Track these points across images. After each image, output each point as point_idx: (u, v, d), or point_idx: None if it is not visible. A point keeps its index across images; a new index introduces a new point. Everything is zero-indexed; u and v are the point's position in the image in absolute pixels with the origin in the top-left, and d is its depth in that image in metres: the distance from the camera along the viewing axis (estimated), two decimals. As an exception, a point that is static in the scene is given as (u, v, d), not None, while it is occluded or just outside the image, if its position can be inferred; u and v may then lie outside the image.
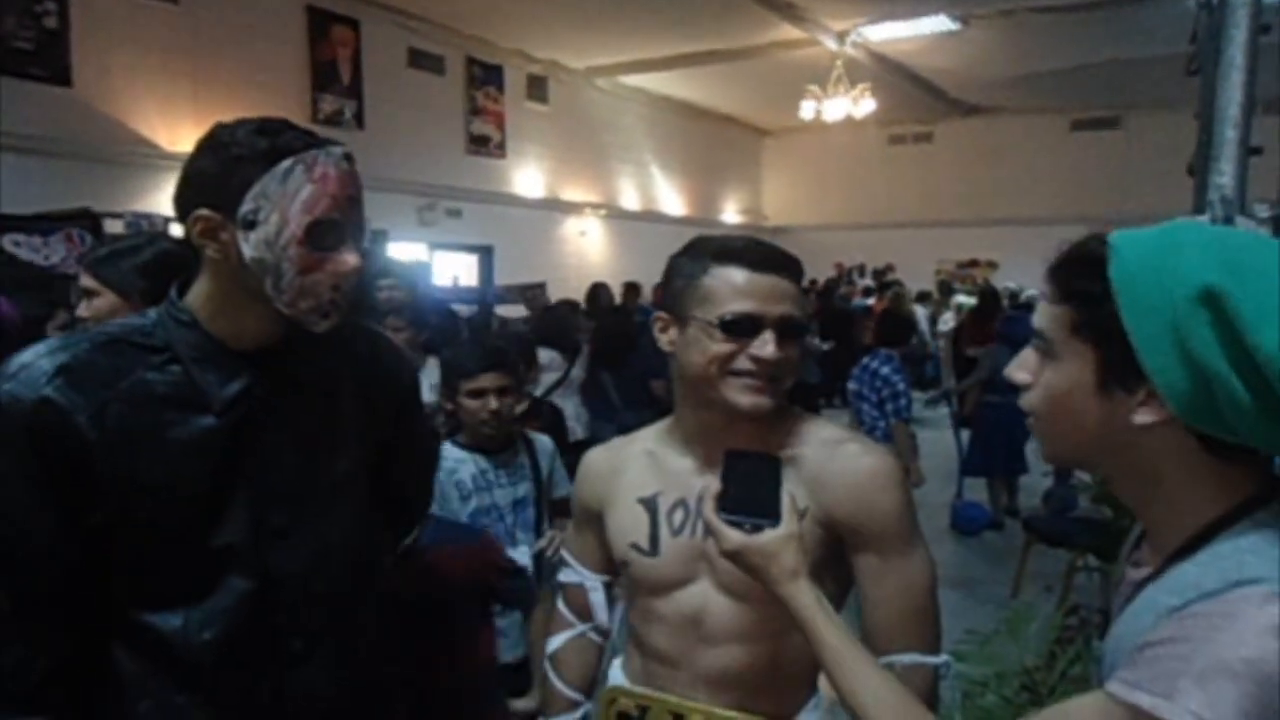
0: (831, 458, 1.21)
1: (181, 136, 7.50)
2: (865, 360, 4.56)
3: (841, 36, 9.94)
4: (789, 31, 9.75)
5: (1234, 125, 1.52)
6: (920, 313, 10.85)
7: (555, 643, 1.47)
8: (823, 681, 1.23)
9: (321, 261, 1.09)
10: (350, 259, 1.11)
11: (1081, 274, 0.81)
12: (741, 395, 1.17)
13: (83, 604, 1.08)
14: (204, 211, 1.08)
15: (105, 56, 6.96)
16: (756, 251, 1.20)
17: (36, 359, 1.05)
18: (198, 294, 1.14)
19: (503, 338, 4.21)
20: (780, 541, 1.03)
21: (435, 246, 9.56)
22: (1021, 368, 0.89)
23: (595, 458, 1.42)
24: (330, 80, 8.71)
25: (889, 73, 11.25)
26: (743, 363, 1.16)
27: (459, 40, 10.00)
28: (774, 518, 1.05)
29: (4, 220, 5.59)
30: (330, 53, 8.69)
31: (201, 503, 1.09)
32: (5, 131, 6.20)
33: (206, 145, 1.10)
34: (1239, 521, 0.77)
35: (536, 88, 11.26)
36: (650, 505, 1.28)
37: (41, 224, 5.70)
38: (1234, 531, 0.77)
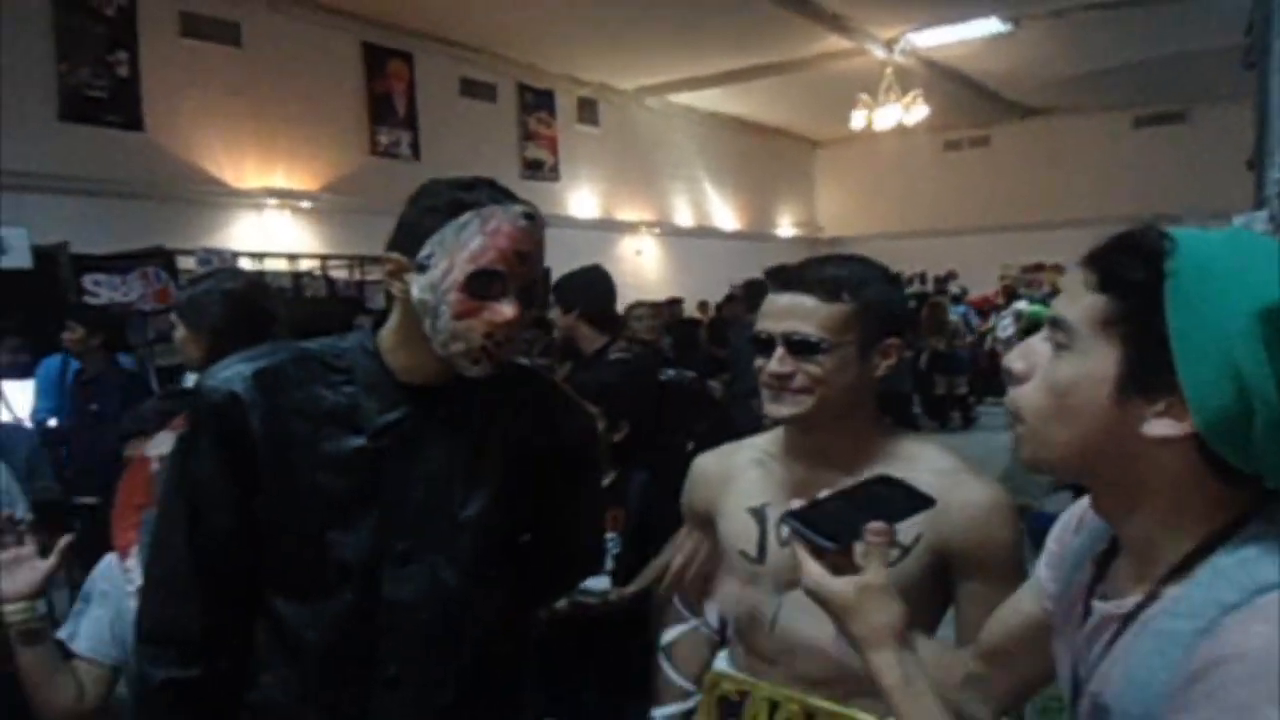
0: (952, 489, 1.23)
1: (246, 174, 7.78)
2: None
3: (890, 44, 9.86)
4: (836, 43, 9.72)
5: (1285, 119, 1.48)
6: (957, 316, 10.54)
7: (669, 635, 1.55)
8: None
9: (478, 309, 1.14)
10: (507, 310, 1.15)
11: (1131, 263, 0.73)
12: (767, 404, 1.29)
13: (241, 576, 1.20)
14: (394, 255, 1.18)
15: (173, 100, 7.28)
16: (788, 271, 1.30)
17: (241, 361, 1.19)
18: (387, 329, 1.24)
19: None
20: (857, 594, 0.85)
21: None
22: (1022, 357, 0.81)
23: (706, 464, 1.50)
24: (387, 113, 8.95)
25: (941, 78, 11.11)
26: (765, 376, 1.28)
27: (509, 67, 10.19)
28: (834, 541, 0.87)
29: (84, 260, 5.86)
30: (386, 86, 8.94)
31: (334, 516, 1.17)
32: (83, 177, 6.51)
33: (414, 196, 1.21)
34: (1233, 537, 0.73)
35: (587, 110, 11.39)
36: (759, 515, 1.35)
37: (119, 263, 5.96)
38: (1230, 546, 0.73)
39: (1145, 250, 0.73)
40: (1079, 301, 0.76)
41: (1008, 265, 14.37)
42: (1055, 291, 9.25)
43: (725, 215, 14.19)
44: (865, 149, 14.67)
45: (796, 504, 0.90)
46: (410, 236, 1.17)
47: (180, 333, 2.02)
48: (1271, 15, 1.39)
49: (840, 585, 0.85)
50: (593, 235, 11.41)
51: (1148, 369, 0.72)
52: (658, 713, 1.54)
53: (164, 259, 6.16)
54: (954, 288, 11.98)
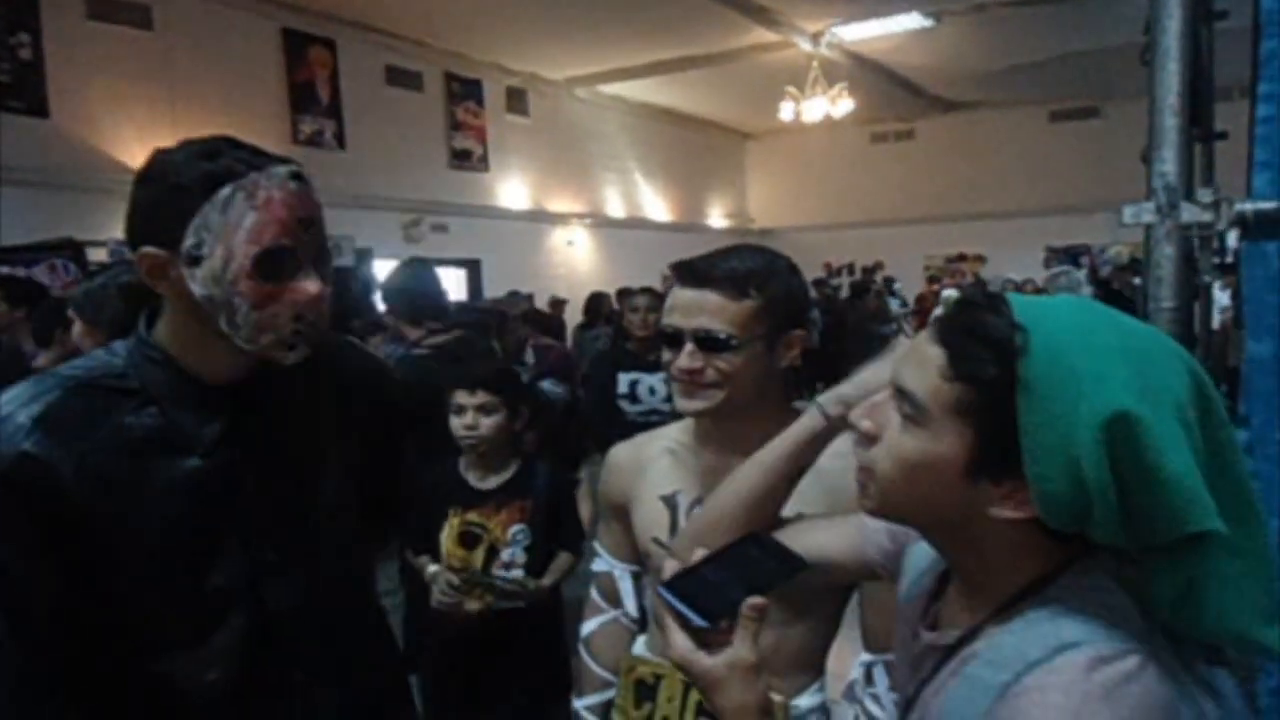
0: (848, 472, 1.25)
1: (161, 163, 7.52)
2: None
3: (816, 38, 9.98)
4: (763, 35, 9.79)
5: (1174, 112, 1.53)
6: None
7: (588, 627, 1.57)
8: (831, 664, 1.36)
9: (278, 293, 1.03)
10: (310, 287, 1.05)
11: (985, 357, 0.74)
12: (678, 399, 1.32)
13: (89, 654, 1.05)
14: (148, 249, 1.02)
15: (81, 86, 6.98)
16: (690, 266, 1.31)
17: (12, 411, 1.00)
18: (165, 330, 1.10)
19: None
20: (725, 670, 0.82)
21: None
22: (869, 416, 0.82)
23: (620, 454, 1.52)
24: (309, 101, 8.72)
25: (866, 72, 11.29)
26: (674, 371, 1.30)
27: (435, 56, 10.02)
28: (708, 620, 0.83)
29: (-13, 252, 5.61)
30: (308, 74, 8.71)
31: (192, 545, 1.07)
32: (-15, 165, 6.21)
33: (146, 174, 1.03)
34: (1048, 587, 0.77)
35: (516, 100, 11.28)
36: (671, 503, 1.38)
37: (24, 255, 5.71)
38: (1045, 597, 0.76)
39: (998, 344, 0.73)
40: (928, 381, 0.77)
41: (932, 256, 14.72)
42: (977, 279, 9.51)
43: (657, 206, 14.22)
44: (794, 142, 14.84)
45: (670, 572, 0.88)
46: (161, 224, 1.01)
47: (78, 327, 1.96)
48: (1160, 12, 1.44)
49: (710, 663, 0.82)
50: (523, 226, 11.33)
51: (996, 457, 0.74)
52: (579, 703, 1.56)
53: (73, 251, 5.92)
54: (878, 278, 12.28)
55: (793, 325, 1.32)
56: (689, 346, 1.27)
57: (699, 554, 0.90)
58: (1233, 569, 0.73)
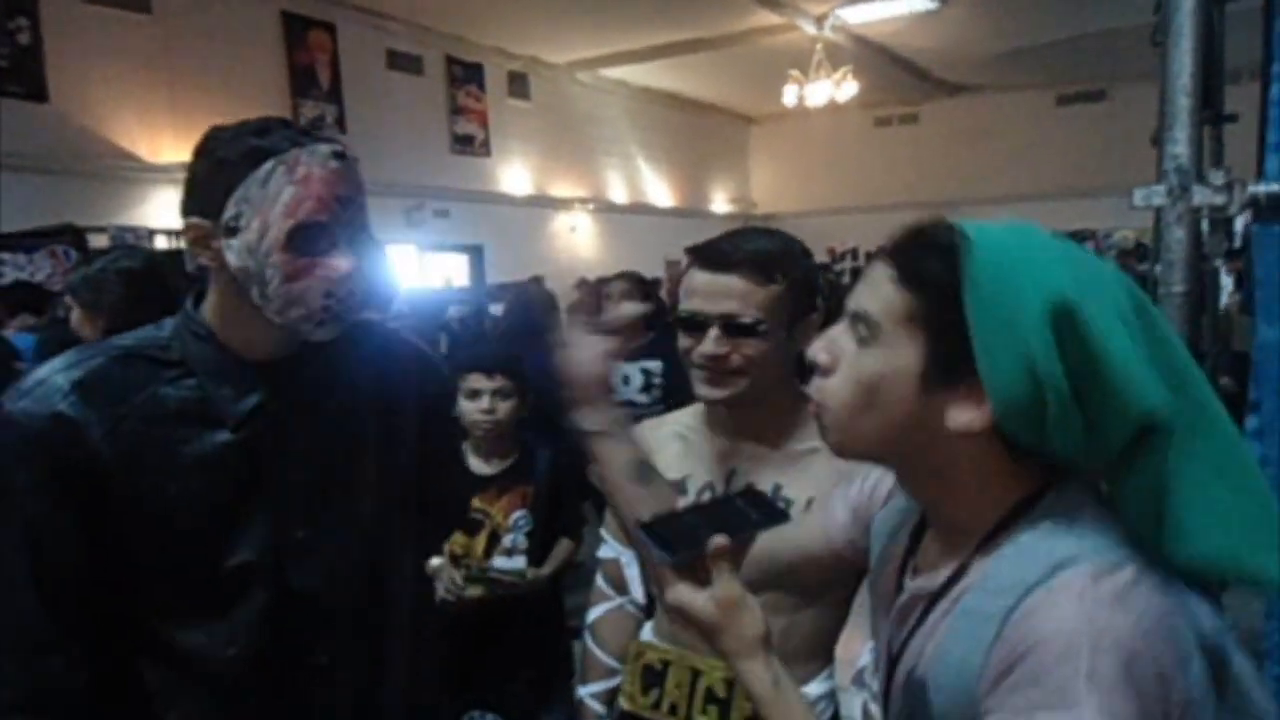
0: None
1: (162, 147, 7.48)
2: None
3: (820, 20, 9.89)
4: (767, 17, 9.70)
5: (1186, 94, 1.50)
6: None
7: (594, 613, 1.56)
8: (839, 651, 1.33)
9: (310, 267, 1.04)
10: (342, 264, 1.06)
11: (930, 261, 0.77)
12: (698, 386, 1.30)
13: (110, 618, 1.07)
14: (194, 219, 1.06)
15: (80, 70, 6.93)
16: (713, 249, 1.28)
17: (52, 374, 1.04)
18: (209, 305, 1.12)
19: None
20: (718, 609, 0.83)
21: (424, 248, 9.56)
22: (826, 349, 0.83)
23: None
24: (309, 85, 8.68)
25: (871, 55, 11.21)
26: (696, 357, 1.27)
27: (436, 39, 9.95)
28: (670, 553, 0.84)
29: (-13, 239, 5.60)
30: (308, 58, 8.65)
31: (217, 519, 1.08)
32: (-16, 150, 6.19)
33: (199, 149, 1.08)
34: (1030, 511, 0.78)
35: (518, 84, 11.22)
36: (680, 488, 1.36)
37: (25, 241, 5.70)
38: (1029, 521, 0.77)
39: (942, 247, 0.76)
40: (880, 296, 0.79)
41: (937, 240, 14.65)
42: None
43: (660, 191, 14.17)
44: (798, 126, 14.74)
45: (647, 515, 0.89)
46: (207, 196, 1.05)
47: (76, 313, 1.95)
48: (1175, -9, 1.41)
49: (701, 601, 0.83)
50: (525, 212, 11.29)
51: (950, 361, 0.75)
52: (583, 690, 1.56)
53: (74, 236, 5.91)
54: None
55: (810, 309, 1.31)
56: (714, 332, 1.25)
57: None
58: (1200, 477, 0.74)
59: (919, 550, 0.89)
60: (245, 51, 8.14)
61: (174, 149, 7.59)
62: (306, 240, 1.04)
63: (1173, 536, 0.74)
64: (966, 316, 0.74)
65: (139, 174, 7.27)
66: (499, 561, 2.27)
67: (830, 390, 0.82)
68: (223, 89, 7.81)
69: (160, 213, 7.40)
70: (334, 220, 1.06)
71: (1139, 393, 0.71)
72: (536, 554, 2.33)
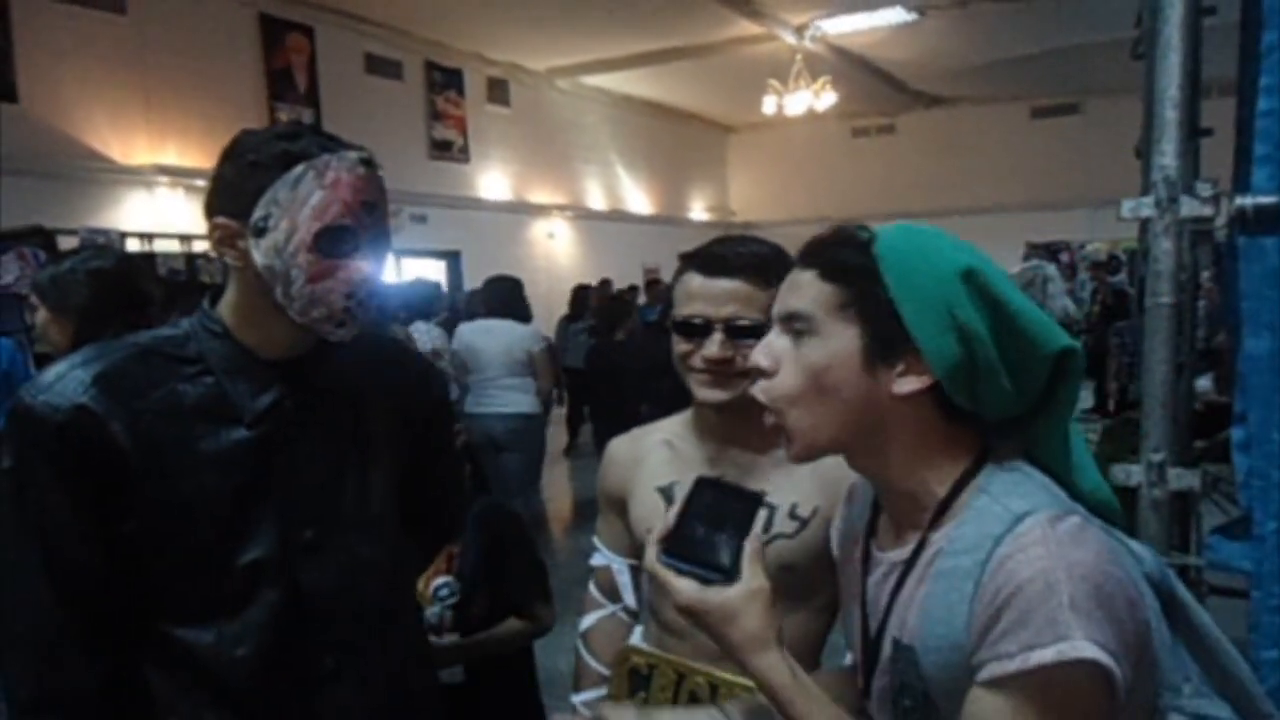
0: (842, 462, 1.26)
1: (135, 150, 7.39)
2: None
3: (800, 30, 9.96)
4: (747, 27, 9.76)
5: (1174, 106, 1.51)
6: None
7: (587, 622, 1.55)
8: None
9: (333, 269, 1.07)
10: (364, 267, 1.10)
11: (847, 253, 0.86)
12: (699, 389, 1.30)
13: (122, 619, 1.08)
14: (221, 219, 1.08)
15: (52, 70, 6.83)
16: (712, 255, 1.30)
17: (72, 369, 1.06)
18: (227, 303, 1.14)
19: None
20: (742, 600, 0.86)
21: (401, 253, 9.47)
22: (765, 354, 0.89)
23: (618, 447, 1.52)
24: (286, 89, 8.60)
25: (849, 66, 11.29)
26: (697, 361, 1.28)
27: (416, 44, 9.92)
28: (726, 574, 0.87)
29: (-47, 241, 5.48)
30: (285, 60, 8.58)
31: (230, 516, 1.09)
32: (-49, 150, 6.07)
33: (229, 152, 1.10)
34: (977, 476, 0.86)
35: (497, 90, 11.19)
36: (667, 494, 1.37)
37: (-8, 243, 5.59)
38: (979, 487, 0.85)
39: (855, 242, 0.87)
40: (807, 294, 0.87)
41: (912, 251, 14.77)
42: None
43: (638, 199, 14.18)
44: (777, 135, 14.82)
45: (654, 545, 0.91)
46: (236, 197, 1.07)
47: (42, 314, 1.88)
48: (1160, 4, 1.41)
49: (728, 593, 0.86)
50: (504, 218, 11.25)
51: (886, 337, 0.83)
52: (576, 698, 1.55)
53: (43, 238, 5.78)
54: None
55: None
56: (719, 336, 1.27)
57: (672, 512, 0.94)
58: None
59: (877, 529, 0.96)
60: (222, 53, 8.05)
61: (148, 151, 7.49)
62: (332, 243, 1.07)
63: (1076, 469, 0.88)
64: (890, 295, 0.83)
65: (111, 176, 7.17)
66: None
67: (780, 387, 0.88)
68: (198, 91, 7.73)
69: (132, 215, 7.30)
70: (359, 225, 1.09)
71: (1048, 334, 0.82)
72: (472, 629, 1.94)
